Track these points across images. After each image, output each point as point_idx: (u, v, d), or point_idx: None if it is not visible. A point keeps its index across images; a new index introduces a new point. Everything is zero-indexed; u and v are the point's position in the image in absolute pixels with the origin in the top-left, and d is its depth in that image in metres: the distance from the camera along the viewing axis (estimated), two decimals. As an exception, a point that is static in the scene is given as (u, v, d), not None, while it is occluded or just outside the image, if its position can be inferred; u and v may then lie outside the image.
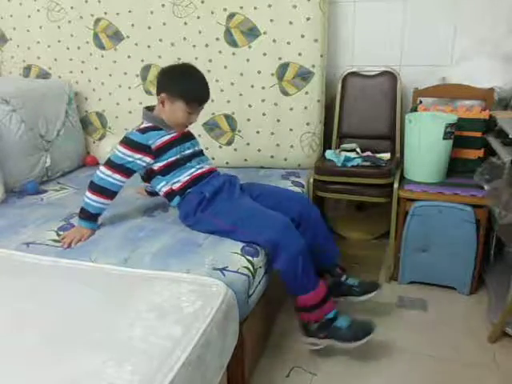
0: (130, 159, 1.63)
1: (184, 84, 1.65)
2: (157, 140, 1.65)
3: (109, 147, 2.56)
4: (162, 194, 1.74)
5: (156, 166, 1.68)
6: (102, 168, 1.64)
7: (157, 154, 1.66)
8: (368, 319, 1.64)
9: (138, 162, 1.64)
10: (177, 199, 1.71)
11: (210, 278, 1.36)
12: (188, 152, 1.73)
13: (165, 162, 1.68)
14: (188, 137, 1.77)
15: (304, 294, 1.54)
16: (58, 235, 1.65)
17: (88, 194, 1.64)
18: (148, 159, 1.65)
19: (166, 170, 1.69)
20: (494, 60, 2.13)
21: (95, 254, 1.53)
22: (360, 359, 1.66)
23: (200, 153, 1.80)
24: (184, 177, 1.69)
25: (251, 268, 1.46)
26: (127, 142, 1.64)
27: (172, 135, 1.70)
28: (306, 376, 1.59)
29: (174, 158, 1.68)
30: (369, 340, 1.57)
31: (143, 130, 1.66)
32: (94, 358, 1.00)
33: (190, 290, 1.27)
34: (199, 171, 1.73)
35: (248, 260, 1.48)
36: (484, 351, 1.69)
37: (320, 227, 1.73)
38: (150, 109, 1.73)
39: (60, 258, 1.50)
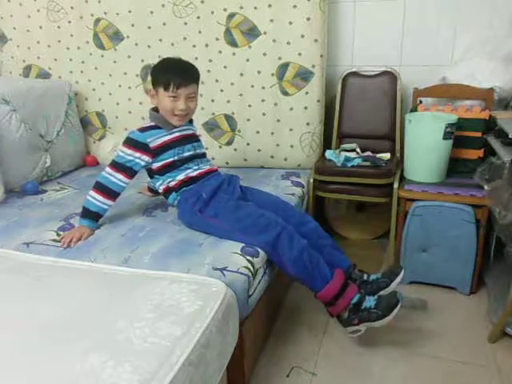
0: (131, 158, 1.67)
1: (160, 72, 1.71)
2: (156, 139, 1.69)
3: (109, 147, 2.57)
4: (160, 191, 1.78)
5: (154, 166, 1.72)
6: (106, 168, 1.70)
7: (155, 153, 1.69)
8: (393, 291, 1.61)
9: (138, 160, 1.68)
10: (173, 196, 1.73)
11: (210, 277, 1.36)
12: (187, 154, 1.74)
13: (162, 163, 1.71)
14: (190, 139, 1.78)
15: (323, 288, 1.55)
16: (58, 235, 1.65)
17: (91, 192, 1.69)
18: (147, 158, 1.69)
19: (164, 170, 1.72)
20: (494, 60, 2.13)
21: (95, 253, 1.53)
22: (360, 359, 1.66)
23: (201, 155, 1.81)
24: (180, 176, 1.72)
25: (251, 268, 1.46)
26: (127, 141, 1.70)
27: (172, 136, 1.72)
28: (305, 376, 1.59)
29: (170, 160, 1.71)
30: (397, 311, 1.55)
31: (143, 129, 1.71)
32: (94, 358, 1.00)
33: (190, 290, 1.27)
34: (196, 172, 1.74)
35: (248, 260, 1.48)
36: (484, 351, 1.68)
37: (323, 238, 1.71)
38: (156, 109, 1.75)
39: (60, 257, 1.51)
